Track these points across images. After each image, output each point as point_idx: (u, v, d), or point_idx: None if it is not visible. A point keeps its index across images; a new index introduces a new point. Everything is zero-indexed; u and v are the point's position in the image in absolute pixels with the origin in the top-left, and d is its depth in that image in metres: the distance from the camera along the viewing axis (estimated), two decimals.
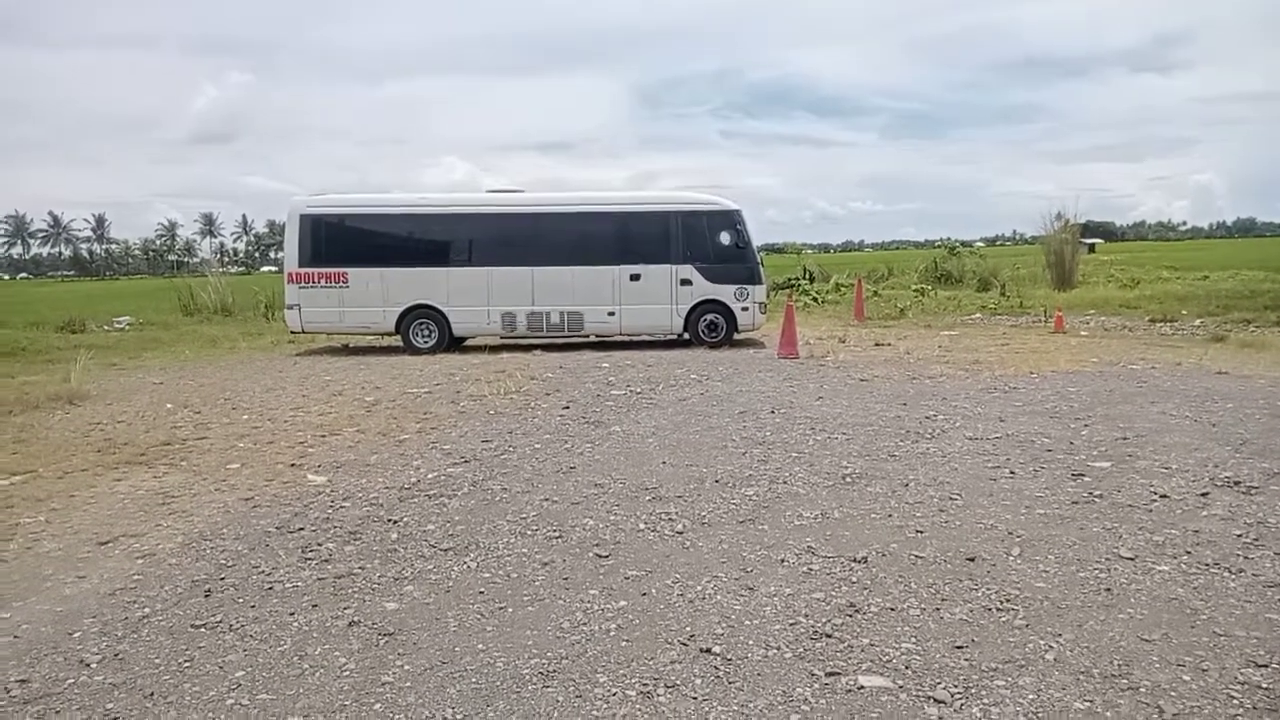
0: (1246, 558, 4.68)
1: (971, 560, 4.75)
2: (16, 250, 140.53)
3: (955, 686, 3.42)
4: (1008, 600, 4.23)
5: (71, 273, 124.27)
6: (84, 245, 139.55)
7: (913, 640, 3.84)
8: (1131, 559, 4.73)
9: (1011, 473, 6.42)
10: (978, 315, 20.96)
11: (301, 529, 5.51)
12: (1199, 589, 4.31)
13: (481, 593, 4.47)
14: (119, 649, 3.97)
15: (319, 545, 5.21)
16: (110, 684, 3.64)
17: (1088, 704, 3.28)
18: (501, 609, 4.28)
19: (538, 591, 4.48)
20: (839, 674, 3.54)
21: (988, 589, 4.37)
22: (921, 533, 5.20)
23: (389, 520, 5.64)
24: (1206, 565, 4.60)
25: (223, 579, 4.76)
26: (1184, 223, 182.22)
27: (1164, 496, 5.78)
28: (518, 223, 15.37)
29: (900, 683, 3.47)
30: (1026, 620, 4.01)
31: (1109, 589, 4.35)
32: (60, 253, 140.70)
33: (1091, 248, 53.94)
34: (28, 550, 5.33)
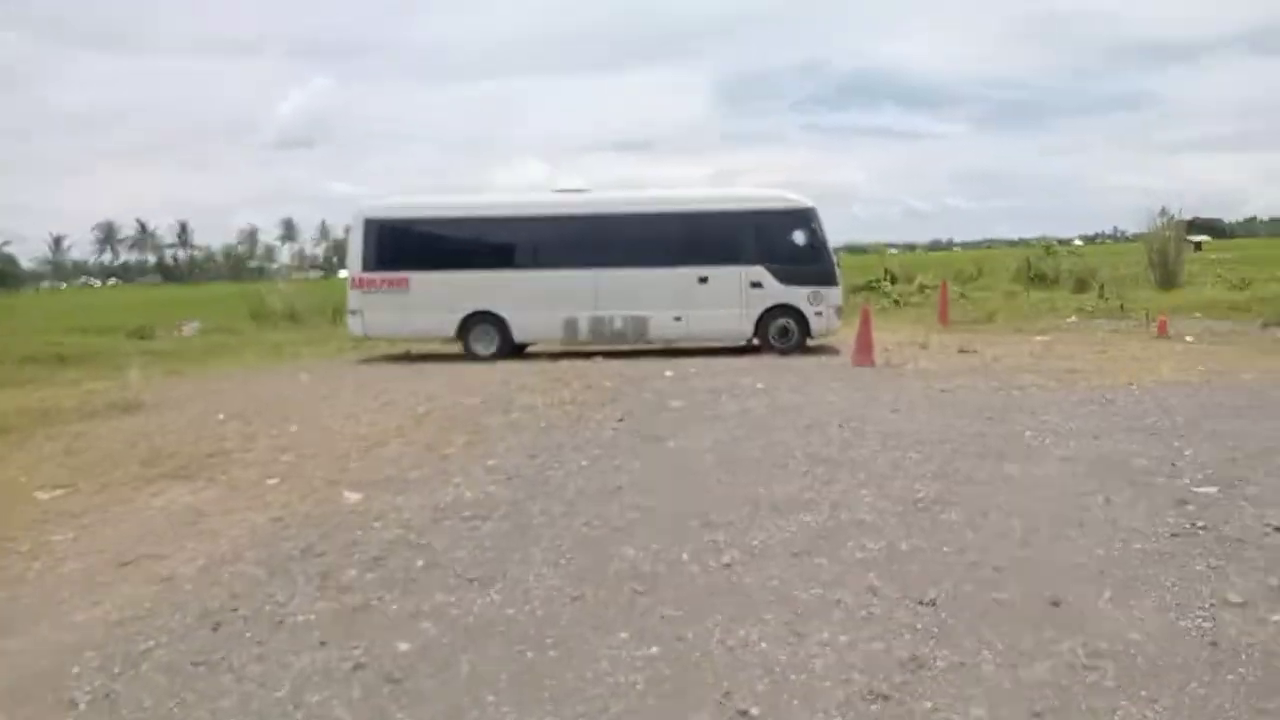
0: None
1: (1056, 605, 4.17)
2: (106, 257, 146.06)
3: None
4: (1096, 655, 3.66)
5: (157, 278, 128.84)
6: (169, 251, 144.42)
7: (984, 706, 3.32)
8: (1241, 605, 4.09)
9: (1106, 500, 5.76)
10: (1074, 319, 19.90)
11: (325, 553, 5.21)
12: None
13: (502, 632, 4.09)
14: (112, 688, 3.71)
15: (340, 572, 4.90)
16: None
17: None
18: (521, 653, 3.88)
19: (563, 632, 4.06)
20: None
21: (1073, 640, 3.79)
22: (1000, 570, 4.62)
23: (418, 545, 5.29)
24: None
25: (235, 609, 4.47)
26: None
27: (1278, 530, 5.07)
28: (581, 224, 14.96)
29: None
30: (1117, 681, 3.45)
31: (1215, 642, 3.73)
32: (147, 259, 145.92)
33: (1198, 245, 51.30)
34: (50, 570, 5.18)
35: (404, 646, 3.99)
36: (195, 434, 8.81)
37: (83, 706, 3.58)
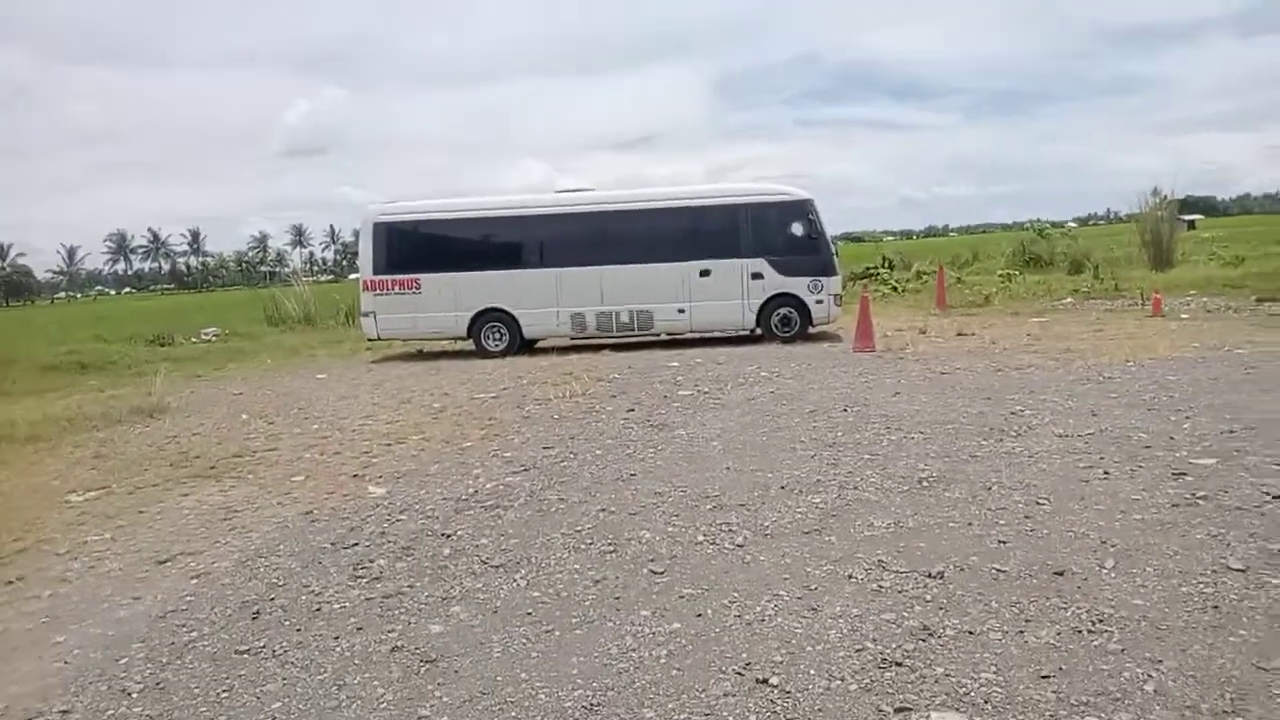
0: None
1: (1060, 574, 4.34)
2: (120, 266, 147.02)
3: None
4: (1101, 621, 3.83)
5: (171, 286, 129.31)
6: (181, 259, 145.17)
7: (993, 669, 3.49)
8: (1242, 571, 4.25)
9: (1105, 473, 5.94)
10: (1069, 300, 19.99)
11: (355, 544, 5.41)
12: None
13: (529, 614, 4.28)
14: (161, 677, 3.90)
15: (371, 562, 5.09)
16: (148, 715, 3.56)
17: None
18: (549, 632, 4.07)
19: (587, 612, 4.26)
20: (909, 710, 3.23)
21: (1078, 607, 3.97)
22: (1005, 543, 4.80)
23: (443, 534, 5.49)
24: None
25: (272, 599, 4.67)
26: None
27: (1277, 498, 5.24)
28: (585, 222, 15.22)
29: None
30: (1122, 644, 3.62)
31: (1216, 606, 3.90)
32: (160, 267, 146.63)
33: (1191, 224, 51.23)
34: (90, 570, 5.36)
35: (437, 629, 4.19)
36: (221, 435, 9.02)
37: (135, 695, 3.76)
